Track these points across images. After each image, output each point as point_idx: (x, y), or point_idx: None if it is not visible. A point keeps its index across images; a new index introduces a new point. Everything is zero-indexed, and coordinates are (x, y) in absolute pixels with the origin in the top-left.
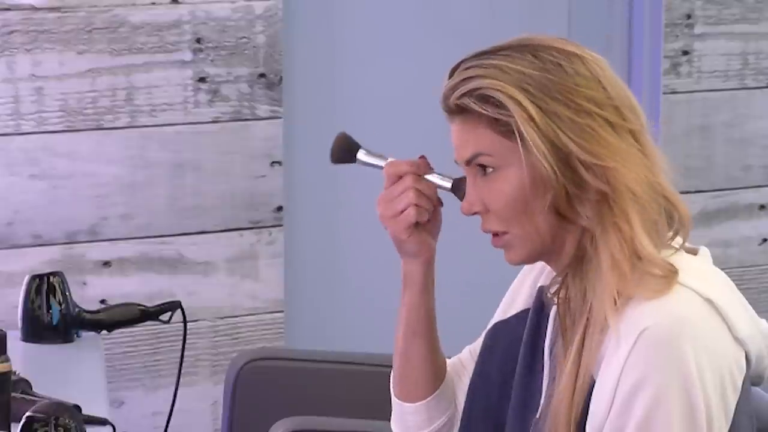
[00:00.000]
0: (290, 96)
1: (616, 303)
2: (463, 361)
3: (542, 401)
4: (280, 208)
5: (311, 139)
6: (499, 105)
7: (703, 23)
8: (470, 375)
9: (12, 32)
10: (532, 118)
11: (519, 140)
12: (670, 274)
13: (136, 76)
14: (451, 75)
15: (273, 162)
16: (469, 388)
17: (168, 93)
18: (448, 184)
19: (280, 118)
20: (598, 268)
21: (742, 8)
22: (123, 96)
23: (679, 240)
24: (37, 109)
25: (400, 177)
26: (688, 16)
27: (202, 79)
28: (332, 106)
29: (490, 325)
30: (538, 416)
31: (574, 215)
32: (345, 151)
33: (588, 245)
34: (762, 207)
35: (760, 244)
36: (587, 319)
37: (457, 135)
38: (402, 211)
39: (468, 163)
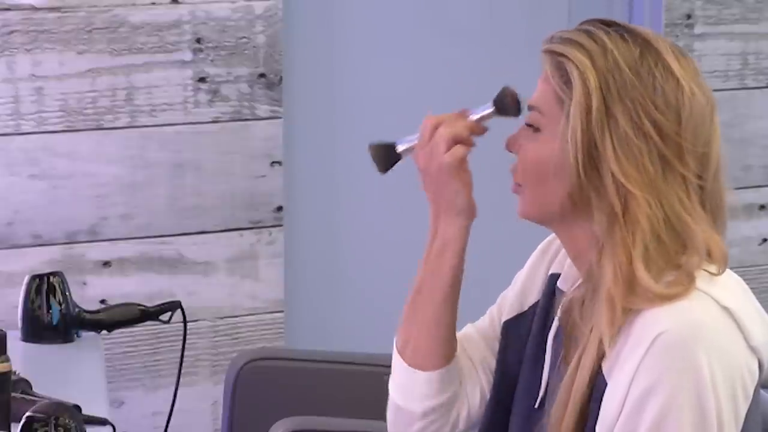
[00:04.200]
0: (290, 96)
1: (612, 328)
2: (471, 339)
3: (541, 391)
4: (280, 208)
5: (311, 139)
6: (566, 81)
7: (703, 23)
8: (481, 353)
9: (12, 32)
10: (588, 109)
11: (564, 120)
12: (687, 282)
13: (136, 76)
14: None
15: (273, 162)
16: (493, 387)
17: (168, 93)
18: (491, 108)
19: (280, 118)
20: (597, 295)
21: (742, 8)
22: (123, 96)
23: (712, 267)
24: (37, 109)
25: (436, 127)
26: (688, 16)
27: (202, 79)
28: (332, 106)
29: (505, 318)
30: (536, 406)
31: (588, 215)
32: (386, 156)
33: (594, 261)
34: (762, 207)
35: (760, 244)
36: (586, 341)
37: (540, 78)
38: (449, 148)
39: (528, 107)
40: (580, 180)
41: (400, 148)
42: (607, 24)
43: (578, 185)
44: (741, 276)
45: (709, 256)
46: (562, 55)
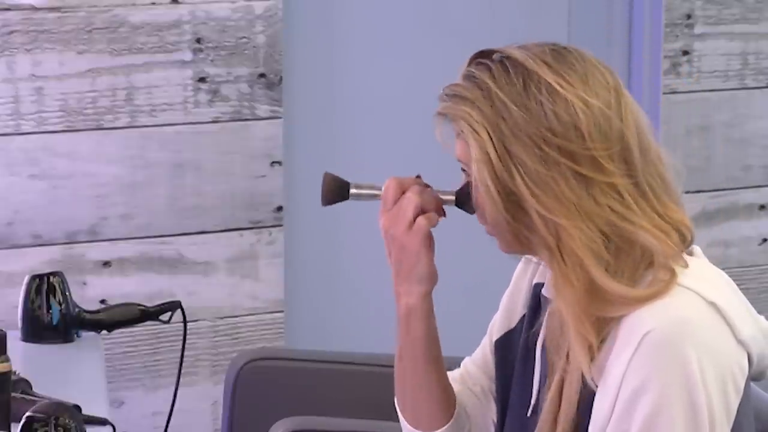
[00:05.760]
0: (290, 96)
1: (590, 351)
2: (471, 374)
3: (533, 399)
4: (280, 208)
5: (311, 139)
6: (463, 137)
7: (703, 23)
8: (482, 384)
9: (12, 32)
10: (488, 160)
11: (473, 176)
12: (669, 276)
13: (136, 76)
14: (467, 65)
15: (273, 162)
16: (498, 410)
17: (168, 93)
18: (452, 197)
19: (280, 118)
20: (564, 322)
21: (742, 8)
22: (123, 96)
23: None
24: (37, 109)
25: (403, 192)
26: (688, 16)
27: (202, 79)
28: (332, 106)
29: (496, 337)
30: (528, 415)
31: (534, 252)
32: (335, 191)
33: (551, 291)
34: (762, 207)
35: (760, 244)
36: (563, 369)
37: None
38: (415, 219)
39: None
40: (509, 224)
41: (353, 192)
42: (489, 55)
43: (515, 228)
44: (741, 276)
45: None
46: (450, 115)
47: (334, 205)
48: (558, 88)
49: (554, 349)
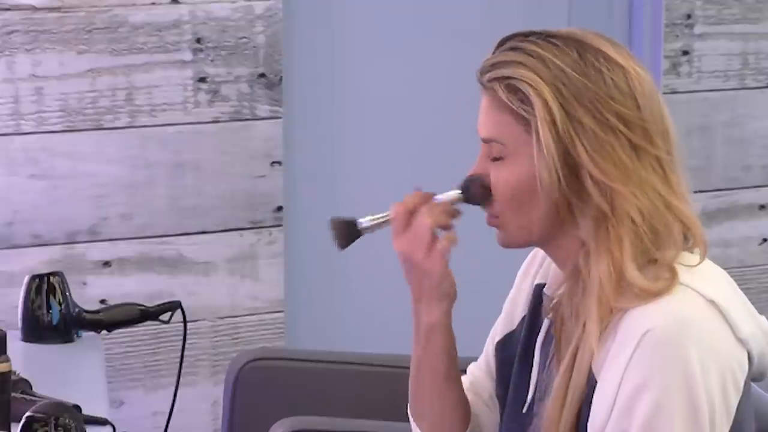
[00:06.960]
0: (290, 96)
1: (600, 325)
2: (479, 380)
3: (530, 396)
4: (280, 208)
5: (311, 139)
6: (524, 100)
7: (703, 23)
8: (490, 391)
9: (12, 32)
10: (553, 121)
11: (534, 138)
12: (670, 276)
13: (136, 76)
14: (497, 47)
15: (273, 162)
16: (503, 414)
17: (168, 93)
18: (459, 195)
19: (280, 118)
20: (586, 291)
21: (742, 8)
22: (123, 96)
23: (694, 257)
24: (37, 109)
25: (412, 213)
26: (688, 16)
27: (202, 79)
28: (332, 106)
29: (497, 339)
30: (524, 411)
31: (573, 224)
32: (346, 233)
33: (581, 261)
34: (762, 207)
35: (760, 244)
36: (579, 338)
37: (482, 110)
38: (433, 242)
39: (484, 141)
40: (561, 191)
41: (362, 226)
42: (526, 35)
43: (561, 197)
44: (741, 276)
45: (686, 238)
46: (509, 78)
47: (335, 207)
48: (614, 57)
49: (573, 318)
